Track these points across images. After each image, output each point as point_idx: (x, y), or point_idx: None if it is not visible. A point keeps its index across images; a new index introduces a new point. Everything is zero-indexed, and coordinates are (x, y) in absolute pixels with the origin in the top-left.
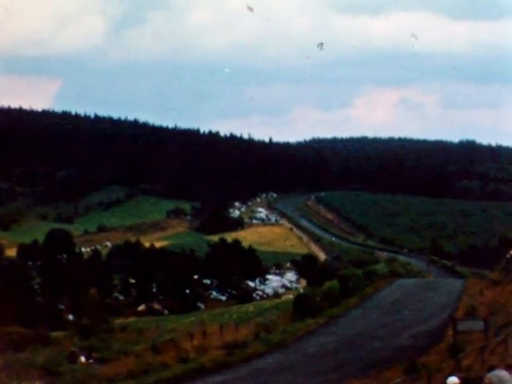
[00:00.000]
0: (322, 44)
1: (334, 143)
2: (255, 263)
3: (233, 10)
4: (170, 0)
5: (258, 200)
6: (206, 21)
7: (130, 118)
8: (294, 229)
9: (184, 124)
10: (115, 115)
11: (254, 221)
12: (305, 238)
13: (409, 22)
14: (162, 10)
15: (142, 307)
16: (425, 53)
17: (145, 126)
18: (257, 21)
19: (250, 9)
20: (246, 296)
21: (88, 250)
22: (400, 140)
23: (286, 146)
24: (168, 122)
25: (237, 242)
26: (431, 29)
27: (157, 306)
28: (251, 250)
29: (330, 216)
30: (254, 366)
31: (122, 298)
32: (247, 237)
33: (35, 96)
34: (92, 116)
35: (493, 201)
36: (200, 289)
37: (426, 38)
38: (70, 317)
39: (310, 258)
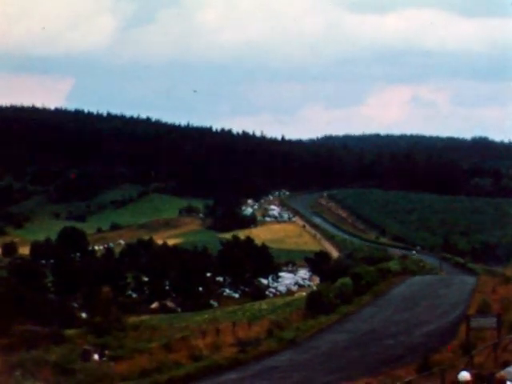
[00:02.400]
0: None
1: (347, 141)
2: (268, 261)
3: (243, 8)
4: None
5: (271, 197)
6: (217, 19)
7: (143, 116)
8: (307, 226)
9: (196, 122)
10: (128, 113)
11: (267, 218)
12: (317, 236)
13: (420, 19)
14: (173, 8)
15: (155, 305)
16: (436, 50)
17: (157, 124)
18: (267, 19)
19: None
20: (259, 293)
21: (101, 247)
22: (412, 137)
23: (299, 144)
24: (181, 120)
25: (250, 240)
26: (443, 26)
27: (170, 304)
28: (264, 248)
29: (342, 213)
30: (267, 364)
31: (135, 295)
32: (260, 234)
33: (48, 94)
34: (104, 114)
35: (505, 198)
36: (213, 286)
37: (438, 36)
38: (83, 315)
39: (323, 256)
